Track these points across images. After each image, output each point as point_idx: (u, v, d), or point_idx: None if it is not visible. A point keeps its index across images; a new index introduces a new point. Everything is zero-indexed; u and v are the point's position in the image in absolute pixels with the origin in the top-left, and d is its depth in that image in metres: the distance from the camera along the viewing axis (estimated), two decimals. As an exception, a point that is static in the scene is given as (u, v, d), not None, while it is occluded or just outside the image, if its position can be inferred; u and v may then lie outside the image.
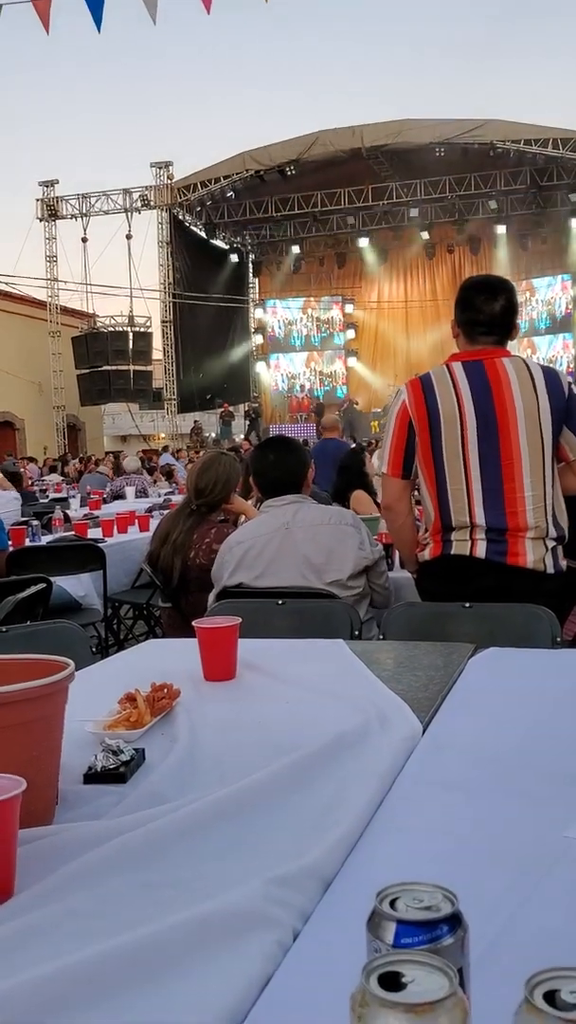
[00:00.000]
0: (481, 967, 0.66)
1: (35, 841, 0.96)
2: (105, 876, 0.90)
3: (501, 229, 23.39)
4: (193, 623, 1.72)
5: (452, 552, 2.41)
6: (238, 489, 3.53)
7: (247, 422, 23.16)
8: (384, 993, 0.49)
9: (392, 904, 0.59)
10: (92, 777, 1.18)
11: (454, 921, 0.58)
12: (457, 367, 2.45)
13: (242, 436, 21.67)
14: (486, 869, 0.90)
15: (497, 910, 0.80)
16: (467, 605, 2.23)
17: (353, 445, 8.93)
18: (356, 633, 2.28)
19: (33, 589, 2.77)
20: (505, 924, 0.78)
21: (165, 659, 1.96)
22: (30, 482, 12.53)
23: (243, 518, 3.38)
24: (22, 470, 12.98)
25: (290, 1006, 0.70)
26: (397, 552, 3.33)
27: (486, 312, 2.47)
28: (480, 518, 2.37)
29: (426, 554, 2.51)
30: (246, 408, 23.65)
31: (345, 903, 0.85)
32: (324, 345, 26.63)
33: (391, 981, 0.50)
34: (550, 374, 2.43)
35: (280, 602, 2.40)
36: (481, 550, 2.37)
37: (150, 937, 0.76)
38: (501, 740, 1.32)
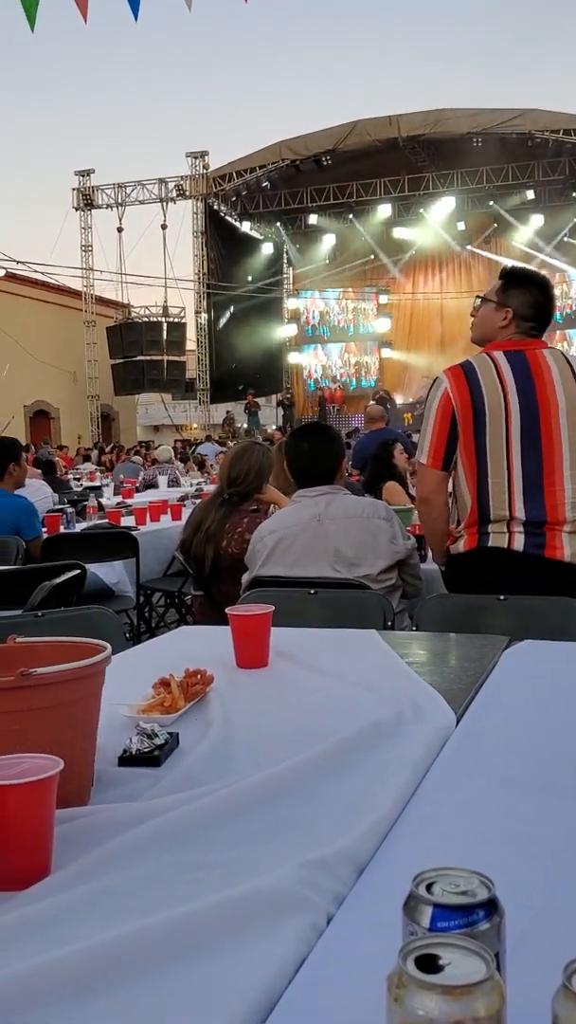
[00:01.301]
0: (516, 953, 0.66)
1: (72, 821, 0.97)
2: (140, 857, 0.91)
3: (538, 219, 23.14)
4: (226, 610, 1.73)
5: (489, 544, 2.39)
6: (271, 479, 3.53)
7: (280, 412, 23.14)
8: (422, 975, 0.49)
9: (429, 888, 0.60)
10: (127, 760, 1.19)
11: (490, 907, 0.58)
12: (500, 357, 2.42)
13: (274, 426, 21.68)
14: (519, 858, 0.90)
15: (531, 898, 0.80)
16: (502, 597, 2.22)
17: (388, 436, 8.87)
18: (389, 624, 2.27)
19: (68, 575, 2.79)
20: (539, 912, 0.78)
21: (198, 646, 1.97)
22: (64, 471, 12.64)
23: (273, 507, 3.38)
24: (57, 459, 13.10)
25: (324, 988, 0.71)
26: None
27: (536, 306, 2.49)
28: (520, 511, 2.35)
29: (460, 546, 2.48)
30: (279, 398, 23.62)
31: (379, 888, 0.85)
32: (358, 336, 26.55)
33: (428, 963, 0.51)
34: None
35: (312, 591, 2.40)
36: (519, 543, 2.34)
37: (184, 917, 0.77)
38: (535, 732, 1.32)
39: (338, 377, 26.61)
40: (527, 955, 0.70)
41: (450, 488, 2.57)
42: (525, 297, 2.49)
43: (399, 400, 22.72)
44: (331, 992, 0.70)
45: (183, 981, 0.71)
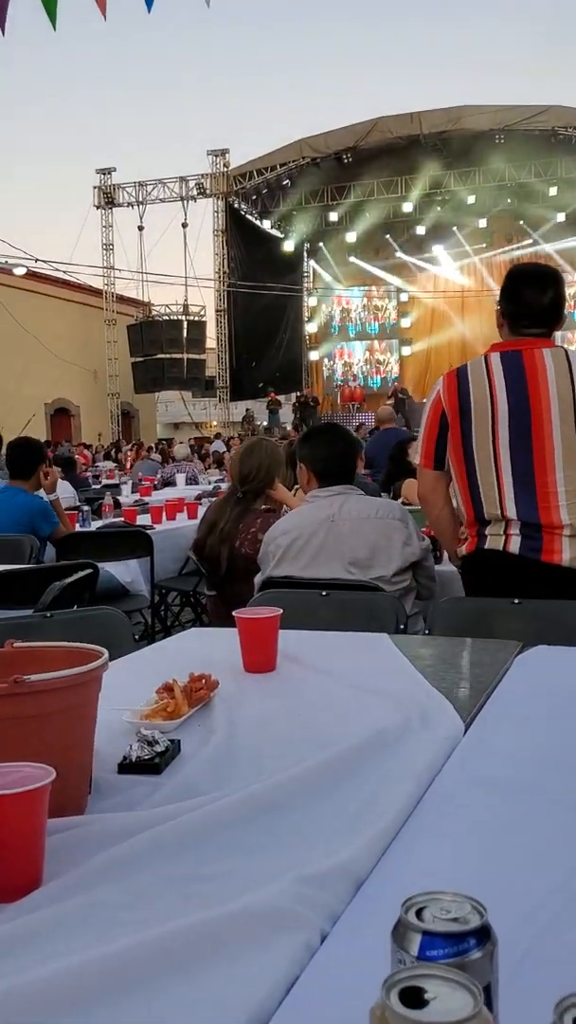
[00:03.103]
0: (511, 981, 0.64)
1: (66, 831, 0.96)
2: (134, 869, 0.89)
3: (560, 217, 22.96)
4: (234, 613, 1.71)
5: (486, 547, 2.36)
6: (283, 482, 3.50)
7: (295, 411, 23.07)
8: (404, 1010, 0.47)
9: (418, 914, 0.57)
10: (126, 767, 1.18)
11: (482, 934, 0.56)
12: (494, 358, 2.39)
13: (289, 425, 21.65)
14: (522, 877, 0.87)
15: (531, 920, 0.77)
16: (516, 601, 2.18)
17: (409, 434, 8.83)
18: (401, 627, 2.24)
19: (79, 575, 2.79)
20: (538, 936, 0.75)
21: (206, 648, 1.95)
22: (84, 468, 12.68)
23: (285, 508, 3.36)
24: (77, 456, 13.15)
25: (314, 1010, 0.68)
26: (444, 545, 3.28)
27: (535, 306, 2.41)
28: (512, 512, 2.31)
29: (463, 549, 2.46)
30: (297, 396, 23.53)
31: (376, 905, 0.83)
32: (379, 334, 26.47)
33: (413, 997, 0.48)
34: None
35: (324, 593, 2.38)
36: (515, 546, 2.31)
37: (177, 933, 0.75)
38: (546, 743, 1.29)
39: (359, 375, 26.54)
40: (522, 983, 0.67)
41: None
42: (510, 296, 2.44)
43: (418, 398, 22.61)
44: (319, 1016, 0.68)
45: (172, 1000, 0.69)
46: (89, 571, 2.87)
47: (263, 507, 3.39)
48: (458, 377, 2.42)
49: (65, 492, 6.27)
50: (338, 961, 0.74)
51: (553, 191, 22.20)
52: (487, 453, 2.34)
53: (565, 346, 2.46)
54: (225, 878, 0.87)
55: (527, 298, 2.41)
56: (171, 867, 0.90)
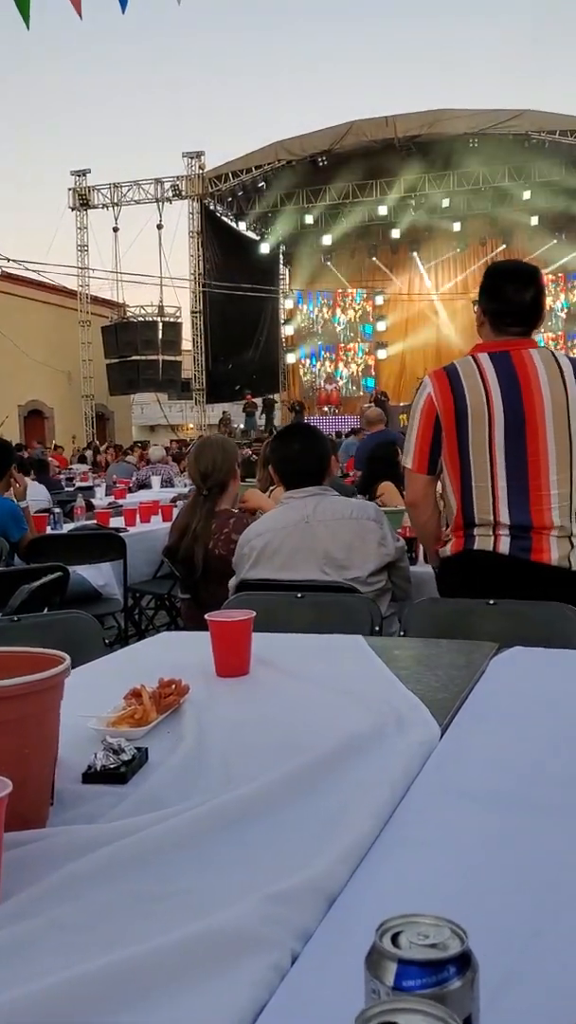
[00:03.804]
0: (491, 1005, 0.60)
1: (24, 845, 0.91)
2: (94, 886, 0.84)
3: (534, 220, 23.10)
4: (206, 616, 1.66)
5: (475, 547, 2.33)
6: (258, 484, 3.47)
7: (262, 413, 23.04)
8: (378, 1051, 0.42)
9: (394, 939, 0.53)
10: (91, 777, 1.13)
11: (463, 962, 0.52)
12: (484, 359, 2.35)
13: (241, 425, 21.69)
14: (501, 891, 0.84)
15: (511, 940, 0.73)
16: (491, 602, 2.15)
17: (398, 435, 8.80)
18: (376, 628, 2.21)
19: (49, 577, 2.73)
20: (519, 956, 0.71)
21: (177, 652, 1.91)
22: (57, 471, 12.56)
23: (259, 511, 3.32)
24: (51, 459, 13.02)
25: (283, 1041, 0.64)
26: (421, 547, 3.26)
27: (516, 302, 2.37)
28: (504, 516, 2.29)
29: (447, 550, 2.43)
30: (263, 400, 23.45)
31: (349, 922, 0.79)
32: (354, 337, 26.50)
33: (388, 1034, 0.44)
34: None
35: (299, 595, 2.34)
36: (504, 546, 2.29)
37: (136, 958, 0.71)
38: (524, 746, 1.25)
39: (333, 378, 26.55)
40: (505, 1005, 0.63)
41: (439, 491, 2.52)
42: (492, 294, 2.41)
43: (395, 402, 22.66)
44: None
45: (130, 1030, 0.64)
46: (59, 574, 2.81)
47: (236, 509, 3.35)
48: (449, 378, 2.37)
49: (38, 495, 6.19)
50: (309, 985, 0.70)
51: (527, 195, 22.34)
52: (483, 458, 2.31)
53: (551, 347, 2.43)
54: (189, 896, 0.83)
55: (509, 295, 2.38)
56: (133, 884, 0.85)
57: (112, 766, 1.13)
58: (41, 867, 0.88)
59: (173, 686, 1.42)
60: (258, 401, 23.01)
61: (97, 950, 0.72)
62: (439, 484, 2.50)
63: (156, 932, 0.74)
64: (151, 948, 0.71)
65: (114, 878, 0.85)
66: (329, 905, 0.81)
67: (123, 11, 4.21)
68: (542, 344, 2.44)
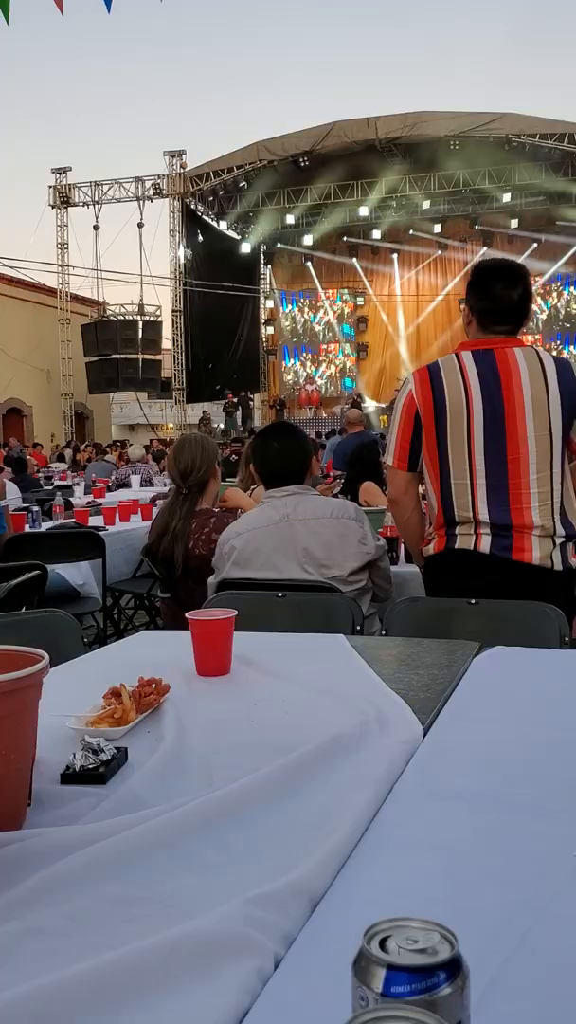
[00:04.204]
0: (479, 1009, 0.59)
1: (2, 847, 0.89)
2: (74, 889, 0.83)
3: (514, 223, 23.23)
4: (187, 615, 1.64)
5: (456, 546, 2.32)
6: (239, 483, 3.45)
7: (236, 408, 22.99)
8: (368, 1061, 0.41)
9: (382, 944, 0.52)
10: (69, 777, 1.11)
11: (453, 967, 0.50)
12: (467, 356, 2.35)
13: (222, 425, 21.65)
14: (487, 891, 0.83)
15: (497, 941, 0.72)
16: (472, 601, 2.15)
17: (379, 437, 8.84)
18: (358, 628, 2.20)
19: (26, 576, 2.69)
20: (506, 957, 0.70)
21: (158, 651, 1.88)
22: (36, 469, 12.47)
23: (240, 510, 3.31)
24: (30, 457, 12.93)
25: (267, 1047, 0.63)
26: (402, 546, 3.25)
27: (504, 300, 2.36)
28: (484, 514, 2.28)
29: (430, 548, 2.42)
30: (231, 399, 23.37)
31: (333, 925, 0.77)
32: (334, 337, 26.52)
33: (377, 1043, 0.43)
34: (563, 365, 2.32)
35: (280, 595, 2.33)
36: (486, 545, 2.28)
37: (117, 962, 0.69)
38: (506, 746, 1.24)
39: (313, 379, 26.56)
40: (493, 1009, 0.62)
41: (423, 490, 2.51)
42: (481, 292, 2.40)
43: (375, 403, 22.72)
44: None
45: (110, 1037, 0.63)
46: (37, 572, 2.78)
47: (216, 508, 3.33)
48: (431, 375, 2.37)
49: (11, 494, 6.14)
50: (292, 990, 0.69)
51: (507, 197, 22.45)
52: (462, 455, 2.30)
53: (536, 346, 2.42)
54: (170, 899, 0.81)
55: (497, 293, 2.37)
56: (113, 887, 0.83)
57: (91, 766, 1.11)
58: (18, 870, 0.86)
59: (153, 685, 1.40)
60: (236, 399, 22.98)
61: (77, 954, 0.71)
62: (422, 483, 2.50)
63: (138, 936, 0.72)
64: (132, 952, 0.69)
65: (94, 881, 0.84)
66: (312, 908, 0.80)
67: (108, 10, 4.18)
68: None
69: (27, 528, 4.88)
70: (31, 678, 0.93)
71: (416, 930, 0.53)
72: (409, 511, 2.52)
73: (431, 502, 2.41)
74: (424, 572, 2.53)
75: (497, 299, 2.37)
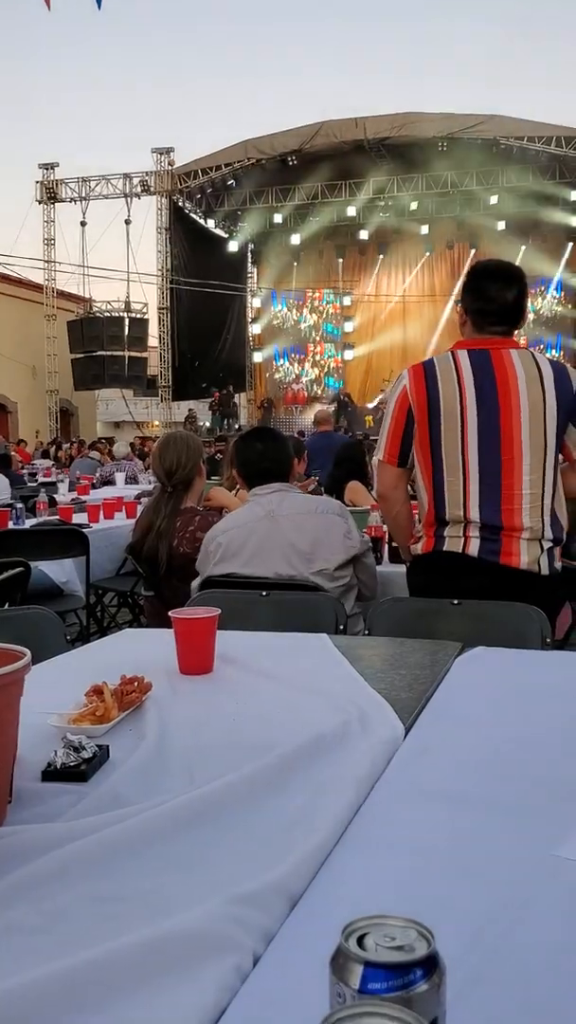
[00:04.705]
0: (455, 1005, 0.59)
1: (-20, 845, 0.89)
2: (53, 887, 0.83)
3: (501, 225, 23.29)
4: (170, 613, 1.64)
5: (444, 548, 2.33)
6: (224, 482, 3.45)
7: (215, 413, 22.97)
8: (344, 1057, 0.41)
9: (360, 942, 0.52)
10: (50, 775, 1.11)
11: (430, 964, 0.51)
12: (462, 355, 2.35)
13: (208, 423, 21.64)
14: (466, 890, 0.83)
15: (477, 939, 0.73)
16: (456, 602, 2.16)
17: (349, 437, 8.88)
18: (341, 627, 2.20)
19: (9, 573, 2.69)
20: (485, 956, 0.71)
21: (140, 650, 1.88)
22: (20, 466, 12.42)
23: (225, 510, 3.31)
24: (14, 453, 12.88)
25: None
26: (386, 546, 3.26)
27: (499, 301, 2.37)
28: (475, 514, 2.29)
29: (418, 547, 2.43)
30: (219, 395, 23.32)
31: (312, 923, 0.78)
32: (321, 337, 26.53)
33: (353, 1039, 0.43)
34: (559, 369, 2.33)
35: (264, 594, 2.33)
36: (474, 548, 2.29)
37: (96, 960, 0.69)
38: (487, 745, 1.25)
39: (300, 378, 26.56)
40: (467, 1008, 0.62)
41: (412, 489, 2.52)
42: (475, 292, 2.41)
43: (360, 403, 22.75)
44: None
45: (88, 1035, 0.63)
46: (20, 569, 2.77)
47: (202, 507, 3.33)
48: (425, 373, 2.37)
49: (3, 485, 6.12)
50: (272, 985, 0.69)
51: (494, 199, 22.51)
52: (455, 453, 2.31)
53: (531, 349, 2.43)
54: (150, 897, 0.81)
55: (492, 294, 2.37)
56: (92, 885, 0.83)
57: (72, 764, 1.11)
58: (-2, 867, 0.86)
59: (135, 683, 1.40)
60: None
61: (56, 952, 0.71)
62: (412, 480, 2.50)
63: (116, 934, 0.73)
64: (111, 950, 0.70)
65: (73, 879, 0.84)
66: (292, 906, 0.80)
67: (99, 6, 4.17)
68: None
69: (11, 525, 4.86)
70: (12, 675, 0.93)
71: (394, 927, 0.53)
72: (398, 506, 2.53)
73: (421, 500, 2.41)
74: (409, 571, 2.53)
75: (492, 300, 2.37)
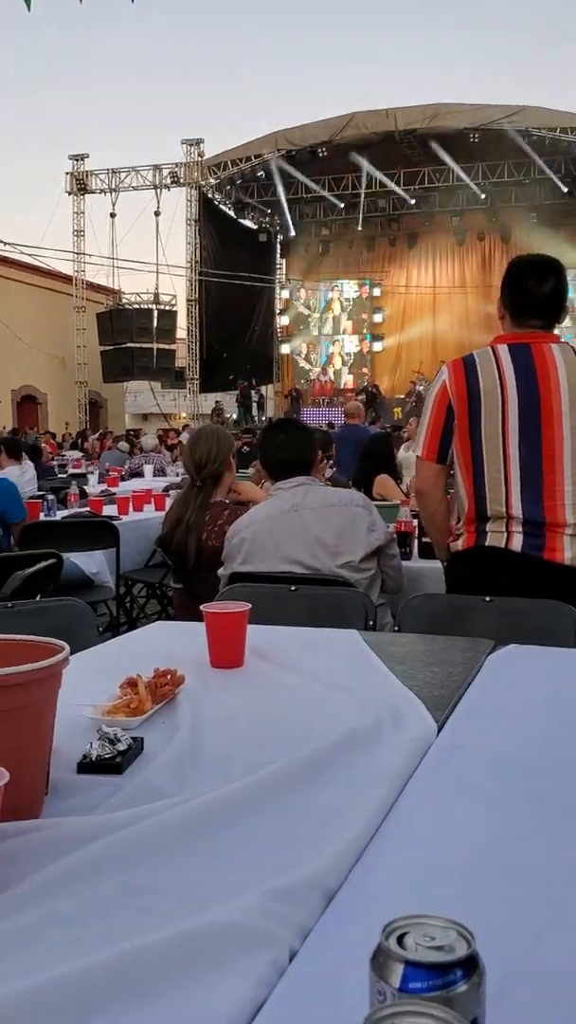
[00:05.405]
0: (490, 1005, 0.59)
1: (19, 836, 0.90)
2: (92, 878, 0.84)
3: (533, 216, 23.09)
4: (201, 607, 1.66)
5: (487, 544, 2.31)
6: (253, 477, 3.45)
7: (237, 406, 22.99)
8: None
9: (400, 941, 0.53)
10: (86, 767, 1.12)
11: (470, 965, 0.51)
12: (502, 349, 2.33)
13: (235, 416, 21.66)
14: (501, 888, 0.83)
15: (512, 938, 0.73)
16: (488, 599, 2.15)
17: (377, 431, 8.86)
18: (370, 623, 2.21)
19: (42, 564, 2.71)
20: (520, 953, 0.71)
21: (172, 642, 1.90)
22: (50, 457, 12.53)
23: (251, 504, 3.32)
24: (44, 445, 12.98)
25: (282, 1038, 0.64)
26: (416, 541, 3.25)
27: (536, 294, 2.35)
28: (517, 509, 2.27)
29: (459, 544, 2.40)
30: (240, 388, 23.34)
31: (347, 919, 0.78)
32: (350, 329, 26.45)
33: (396, 1037, 0.44)
34: None
35: (292, 588, 2.33)
36: (517, 543, 2.27)
37: (135, 952, 0.70)
38: (520, 744, 1.25)
39: (330, 369, 26.52)
40: (504, 1007, 0.63)
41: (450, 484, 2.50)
42: (513, 286, 2.39)
43: (389, 394, 22.67)
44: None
45: (129, 1025, 0.64)
46: (53, 561, 2.80)
47: (231, 500, 3.34)
48: (465, 367, 2.35)
49: (28, 475, 6.17)
50: (308, 982, 0.70)
51: (526, 191, 22.31)
52: (496, 448, 2.29)
53: (573, 343, 2.40)
54: (187, 890, 0.82)
55: (529, 287, 2.36)
56: (130, 877, 0.84)
57: (108, 756, 1.13)
58: (35, 860, 0.87)
59: (169, 676, 1.41)
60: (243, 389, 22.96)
61: (96, 944, 0.72)
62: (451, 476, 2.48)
63: (156, 926, 0.73)
64: (150, 942, 0.71)
65: (112, 870, 0.85)
66: (327, 902, 0.81)
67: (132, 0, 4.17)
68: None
69: (42, 516, 4.91)
70: (53, 668, 0.94)
71: (434, 927, 0.53)
72: (435, 503, 2.51)
73: (461, 497, 2.39)
74: (448, 567, 2.51)
75: (529, 293, 2.35)
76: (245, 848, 0.90)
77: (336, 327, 26.57)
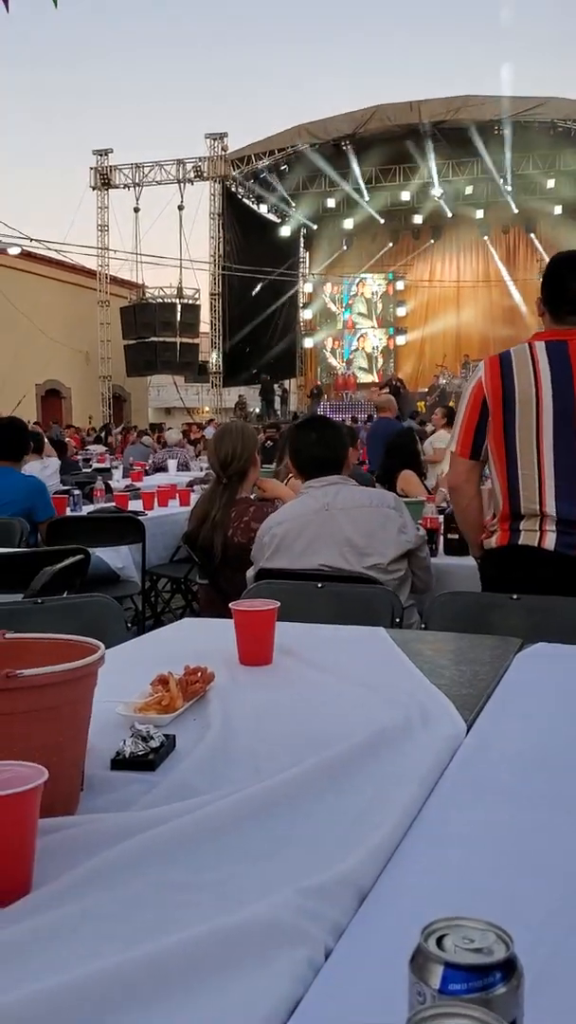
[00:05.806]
0: (526, 1005, 0.60)
1: (57, 832, 0.92)
2: (127, 874, 0.85)
3: (558, 209, 22.90)
4: (230, 605, 1.67)
5: (520, 542, 2.31)
6: (281, 470, 3.46)
7: (260, 400, 22.96)
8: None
9: (439, 943, 0.53)
10: (120, 763, 1.14)
11: (508, 967, 0.52)
12: (539, 347, 2.33)
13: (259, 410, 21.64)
14: (531, 887, 0.84)
15: (543, 936, 0.74)
16: (515, 597, 2.15)
17: (406, 425, 8.84)
18: (397, 621, 2.21)
19: (71, 560, 2.74)
20: (553, 951, 0.72)
21: (200, 639, 1.91)
22: (75, 452, 12.60)
23: (279, 501, 3.33)
24: (68, 440, 13.06)
25: (320, 1035, 0.65)
26: (441, 538, 3.25)
27: (574, 290, 2.34)
28: (551, 507, 2.26)
29: (492, 541, 2.40)
30: (262, 383, 23.32)
31: (381, 917, 0.79)
32: (373, 322, 26.38)
33: (438, 1038, 0.45)
34: None
35: (319, 585, 2.34)
36: (550, 542, 2.26)
37: (172, 948, 0.71)
38: (550, 743, 1.25)
39: (351, 363, 26.47)
40: (540, 1007, 0.63)
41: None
42: (553, 283, 2.38)
43: (413, 388, 22.58)
44: (327, 1044, 0.64)
45: (167, 1021, 0.65)
46: (80, 556, 2.82)
47: (257, 497, 3.36)
48: (501, 364, 2.35)
49: (51, 469, 6.21)
50: (344, 980, 0.71)
51: (551, 183, 22.13)
52: (530, 445, 2.28)
53: None
54: (222, 886, 0.83)
55: (568, 284, 2.35)
56: (166, 873, 0.86)
57: (141, 753, 1.14)
58: (72, 856, 0.88)
59: (199, 673, 1.42)
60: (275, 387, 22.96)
61: (135, 939, 0.73)
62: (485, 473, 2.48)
63: (193, 922, 0.75)
64: (188, 937, 0.72)
65: (148, 867, 0.86)
66: (360, 900, 0.82)
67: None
68: None
69: (68, 511, 4.95)
70: (89, 668, 0.96)
71: (473, 930, 0.54)
72: (468, 499, 2.51)
73: (496, 494, 2.39)
74: (482, 564, 2.51)
75: (568, 289, 2.34)
76: (279, 845, 0.91)
77: (359, 321, 26.50)
